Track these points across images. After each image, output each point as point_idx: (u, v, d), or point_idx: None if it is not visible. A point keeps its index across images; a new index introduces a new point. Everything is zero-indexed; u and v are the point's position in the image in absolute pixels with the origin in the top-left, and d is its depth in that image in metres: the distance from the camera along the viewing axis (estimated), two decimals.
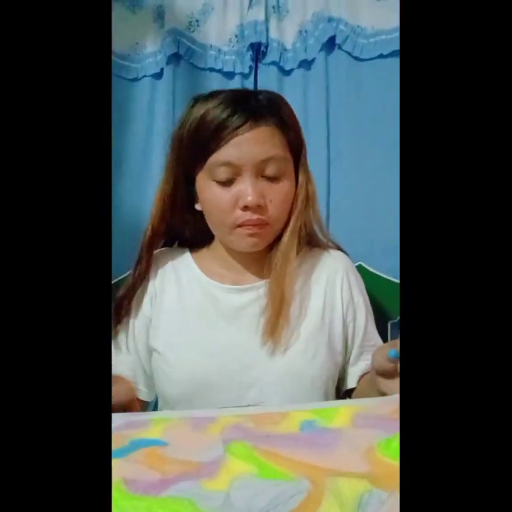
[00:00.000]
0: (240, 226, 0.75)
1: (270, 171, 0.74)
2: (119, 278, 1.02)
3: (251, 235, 0.76)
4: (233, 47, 1.17)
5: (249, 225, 0.75)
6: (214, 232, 0.82)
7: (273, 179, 0.75)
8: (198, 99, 0.77)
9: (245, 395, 0.77)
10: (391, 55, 1.10)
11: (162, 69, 1.18)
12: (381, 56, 1.10)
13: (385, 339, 0.99)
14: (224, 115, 0.72)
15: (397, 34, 1.08)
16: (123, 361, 0.85)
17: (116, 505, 0.39)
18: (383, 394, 0.69)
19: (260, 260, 0.81)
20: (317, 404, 0.65)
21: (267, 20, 1.15)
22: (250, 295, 0.81)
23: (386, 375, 0.68)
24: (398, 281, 1.06)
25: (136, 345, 0.85)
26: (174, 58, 1.17)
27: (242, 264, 0.84)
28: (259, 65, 1.18)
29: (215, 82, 1.17)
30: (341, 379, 0.86)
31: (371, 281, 1.01)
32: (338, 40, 1.12)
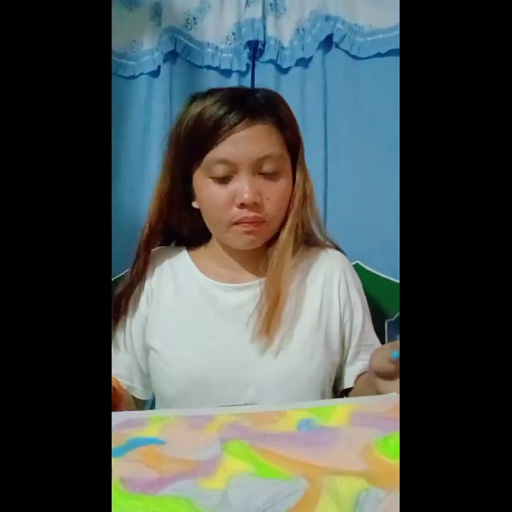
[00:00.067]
0: (236, 224, 0.75)
1: (267, 168, 0.74)
2: (117, 276, 1.01)
3: (247, 233, 0.76)
4: (230, 45, 1.16)
5: (245, 223, 0.75)
6: (211, 230, 0.82)
7: (270, 177, 0.75)
8: (195, 97, 0.77)
9: (242, 394, 0.77)
10: (389, 53, 1.09)
11: (159, 67, 1.18)
12: (379, 55, 1.10)
13: (382, 338, 0.99)
14: (221, 113, 0.72)
15: (395, 33, 1.08)
16: (120, 360, 0.85)
17: (114, 505, 0.39)
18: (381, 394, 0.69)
19: (257, 258, 0.81)
20: (314, 403, 0.65)
21: (264, 18, 1.14)
22: (247, 293, 0.81)
23: (386, 376, 0.68)
24: (395, 280, 1.06)
25: (133, 344, 0.85)
26: (171, 56, 1.16)
27: (240, 263, 0.84)
28: (257, 63, 1.17)
29: (213, 80, 1.17)
30: (338, 378, 0.86)
31: (369, 280, 1.01)
32: (335, 39, 1.11)
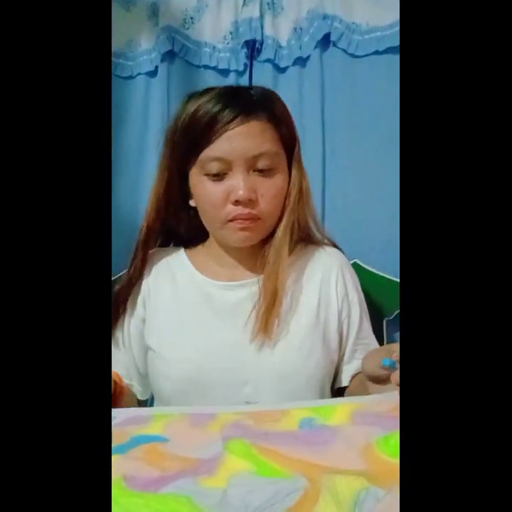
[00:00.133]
0: (231, 220, 0.75)
1: (262, 165, 0.74)
2: (116, 276, 1.01)
3: (243, 229, 0.76)
4: (228, 44, 1.16)
5: (240, 219, 0.75)
6: (207, 228, 0.82)
7: (265, 174, 0.75)
8: (191, 96, 0.77)
9: (240, 392, 0.77)
10: (386, 51, 1.09)
11: (157, 66, 1.18)
12: (376, 53, 1.10)
13: (380, 337, 0.99)
14: (215, 110, 0.72)
15: (392, 31, 1.08)
16: (118, 359, 0.85)
17: (115, 503, 0.39)
18: None
19: (254, 256, 0.81)
20: (316, 402, 0.65)
21: (261, 17, 1.14)
22: (245, 291, 0.81)
23: (376, 380, 0.68)
24: (394, 278, 1.06)
25: (131, 344, 0.85)
26: (169, 56, 1.16)
27: (237, 260, 0.84)
28: (254, 62, 1.17)
29: (210, 80, 1.17)
30: (335, 376, 0.86)
31: (367, 279, 1.01)
32: (333, 38, 1.11)
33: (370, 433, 0.49)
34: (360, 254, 1.07)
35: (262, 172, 0.75)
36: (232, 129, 0.72)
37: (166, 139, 0.80)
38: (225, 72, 1.18)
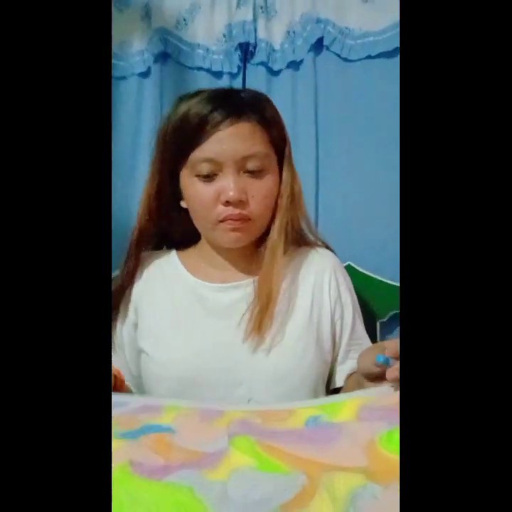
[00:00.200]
0: (222, 221, 0.75)
1: (252, 166, 0.75)
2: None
3: (233, 230, 0.76)
4: (221, 46, 1.16)
5: (231, 220, 0.75)
6: (199, 229, 0.82)
7: (255, 175, 0.75)
8: (182, 98, 0.78)
9: (234, 393, 0.76)
10: (379, 56, 1.10)
11: (149, 67, 1.17)
12: (369, 57, 1.11)
13: (374, 339, 0.99)
14: (205, 111, 0.73)
15: (385, 35, 1.08)
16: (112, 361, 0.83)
17: (119, 487, 0.40)
18: None
19: (247, 258, 0.81)
20: (324, 400, 0.65)
21: (255, 20, 1.14)
22: (237, 293, 0.81)
23: (372, 378, 0.68)
24: (388, 281, 1.06)
25: (123, 346, 0.84)
26: (161, 57, 1.16)
27: (229, 262, 0.84)
28: (248, 65, 1.17)
29: (203, 82, 1.17)
30: (329, 377, 0.85)
31: (361, 281, 1.01)
32: (326, 42, 1.12)
33: (375, 428, 0.49)
34: (354, 258, 1.07)
35: (252, 173, 0.75)
36: (222, 130, 0.73)
37: (158, 140, 0.80)
38: (218, 74, 1.18)
